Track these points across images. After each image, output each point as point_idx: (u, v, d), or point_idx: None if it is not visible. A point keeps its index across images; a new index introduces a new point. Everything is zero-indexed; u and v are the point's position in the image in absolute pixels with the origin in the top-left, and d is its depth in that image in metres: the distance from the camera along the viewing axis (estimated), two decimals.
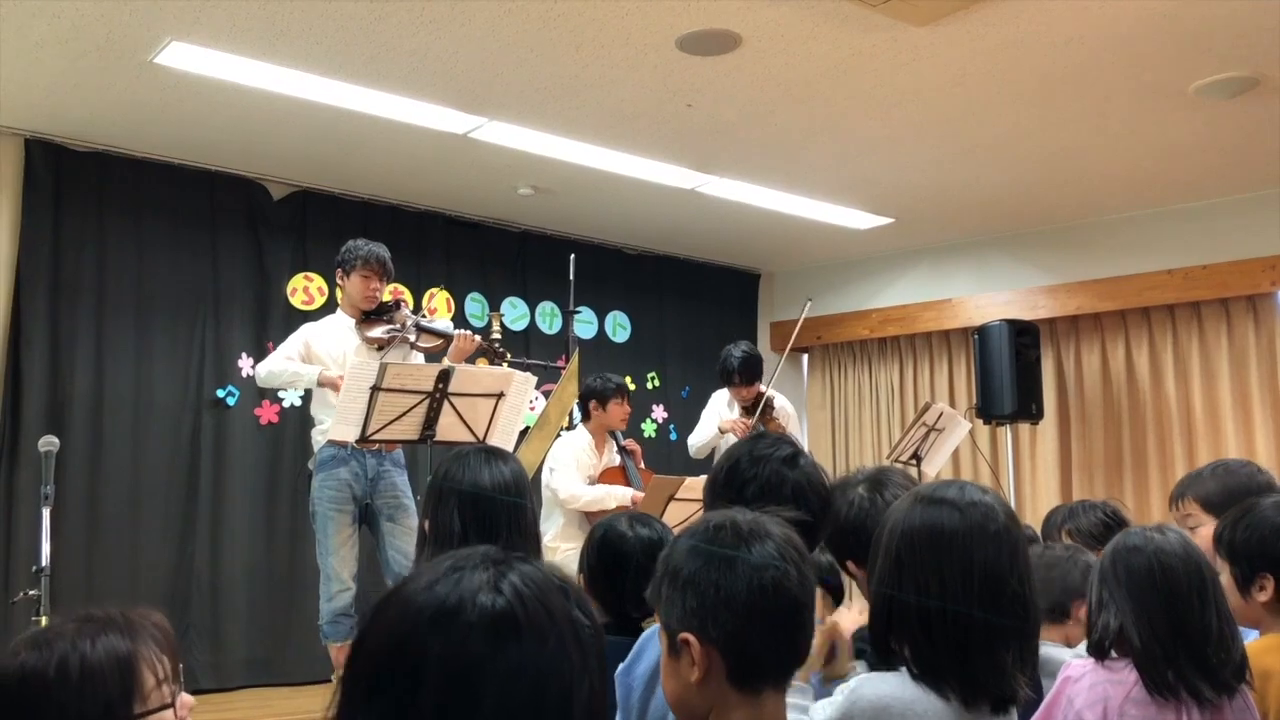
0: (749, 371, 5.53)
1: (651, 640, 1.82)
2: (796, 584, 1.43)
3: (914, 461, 5.72)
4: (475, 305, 6.60)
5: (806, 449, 2.13)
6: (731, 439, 5.44)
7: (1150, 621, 1.82)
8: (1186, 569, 1.85)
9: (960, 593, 1.54)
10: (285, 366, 4.45)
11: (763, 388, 5.58)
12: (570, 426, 5.44)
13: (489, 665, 0.93)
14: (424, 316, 5.00)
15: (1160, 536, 1.90)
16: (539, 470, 5.04)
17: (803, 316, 6.05)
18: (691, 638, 1.39)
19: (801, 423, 7.17)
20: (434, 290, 6.35)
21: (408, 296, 6.04)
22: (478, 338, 4.55)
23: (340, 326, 4.59)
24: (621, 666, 1.86)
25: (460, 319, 6.32)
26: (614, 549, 2.52)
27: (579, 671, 0.97)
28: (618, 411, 5.22)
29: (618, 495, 5.02)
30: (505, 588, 0.97)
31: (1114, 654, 1.87)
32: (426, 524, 2.44)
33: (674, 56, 4.19)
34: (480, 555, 1.01)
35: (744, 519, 1.48)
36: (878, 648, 1.63)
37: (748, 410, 5.59)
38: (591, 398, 5.21)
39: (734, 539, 1.45)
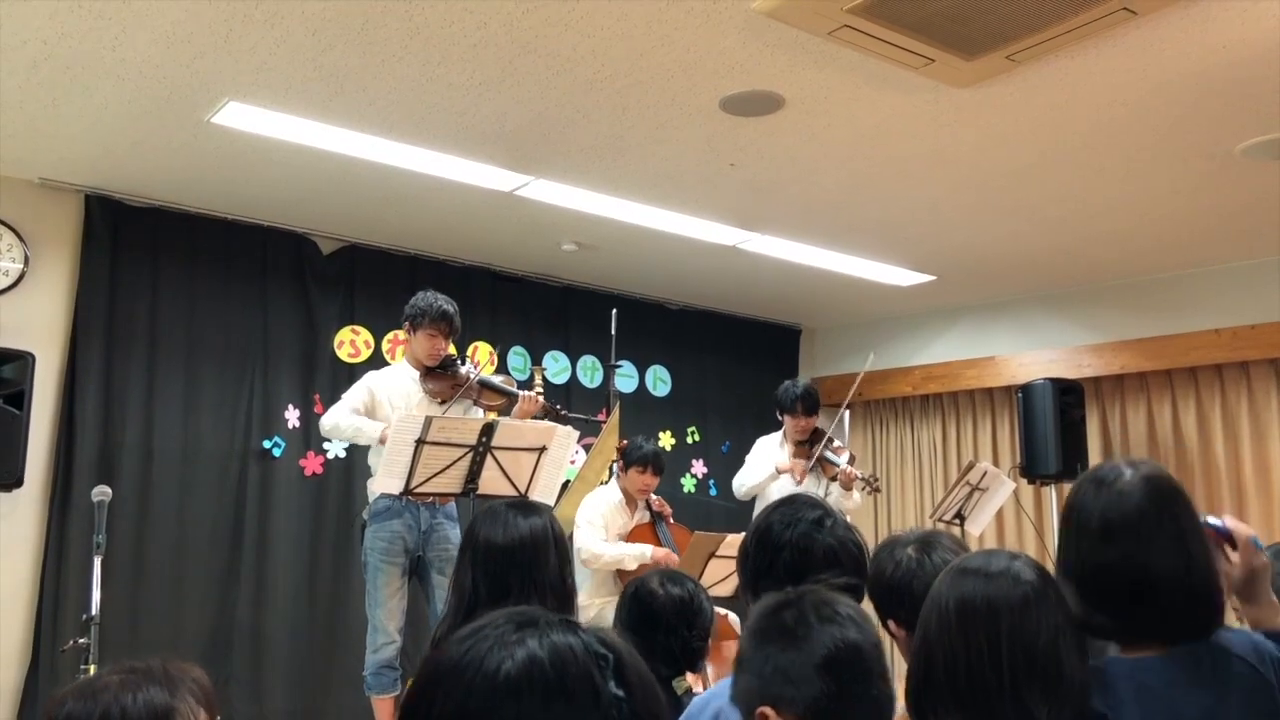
0: (810, 401, 5.65)
1: (704, 710, 1.81)
2: (858, 637, 1.47)
3: (958, 521, 5.67)
4: (518, 359, 6.66)
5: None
6: (786, 482, 5.47)
7: None
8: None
9: (988, 664, 1.52)
10: (351, 421, 4.42)
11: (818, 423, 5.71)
12: (607, 482, 5.43)
13: None
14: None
15: None
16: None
17: (865, 369, 6.13)
18: (769, 710, 1.41)
19: None
20: (477, 344, 6.42)
21: (451, 349, 6.10)
22: (542, 398, 4.56)
23: (404, 377, 4.62)
24: None
25: (502, 372, 6.36)
26: (645, 607, 2.54)
27: None
28: (636, 480, 5.07)
29: (634, 554, 4.90)
30: (520, 653, 0.97)
31: None
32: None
33: (718, 117, 4.25)
34: (505, 617, 1.01)
35: (795, 590, 1.53)
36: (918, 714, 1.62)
37: (802, 445, 5.66)
38: (621, 457, 5.14)
39: (789, 611, 1.48)
